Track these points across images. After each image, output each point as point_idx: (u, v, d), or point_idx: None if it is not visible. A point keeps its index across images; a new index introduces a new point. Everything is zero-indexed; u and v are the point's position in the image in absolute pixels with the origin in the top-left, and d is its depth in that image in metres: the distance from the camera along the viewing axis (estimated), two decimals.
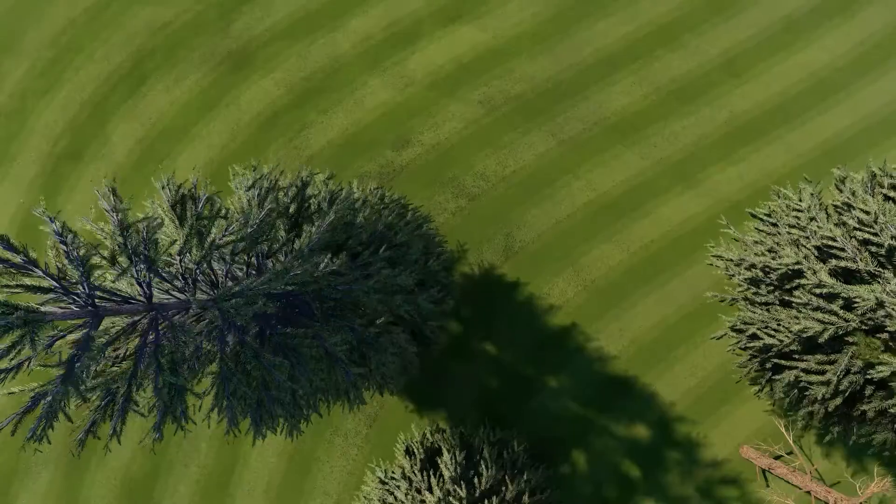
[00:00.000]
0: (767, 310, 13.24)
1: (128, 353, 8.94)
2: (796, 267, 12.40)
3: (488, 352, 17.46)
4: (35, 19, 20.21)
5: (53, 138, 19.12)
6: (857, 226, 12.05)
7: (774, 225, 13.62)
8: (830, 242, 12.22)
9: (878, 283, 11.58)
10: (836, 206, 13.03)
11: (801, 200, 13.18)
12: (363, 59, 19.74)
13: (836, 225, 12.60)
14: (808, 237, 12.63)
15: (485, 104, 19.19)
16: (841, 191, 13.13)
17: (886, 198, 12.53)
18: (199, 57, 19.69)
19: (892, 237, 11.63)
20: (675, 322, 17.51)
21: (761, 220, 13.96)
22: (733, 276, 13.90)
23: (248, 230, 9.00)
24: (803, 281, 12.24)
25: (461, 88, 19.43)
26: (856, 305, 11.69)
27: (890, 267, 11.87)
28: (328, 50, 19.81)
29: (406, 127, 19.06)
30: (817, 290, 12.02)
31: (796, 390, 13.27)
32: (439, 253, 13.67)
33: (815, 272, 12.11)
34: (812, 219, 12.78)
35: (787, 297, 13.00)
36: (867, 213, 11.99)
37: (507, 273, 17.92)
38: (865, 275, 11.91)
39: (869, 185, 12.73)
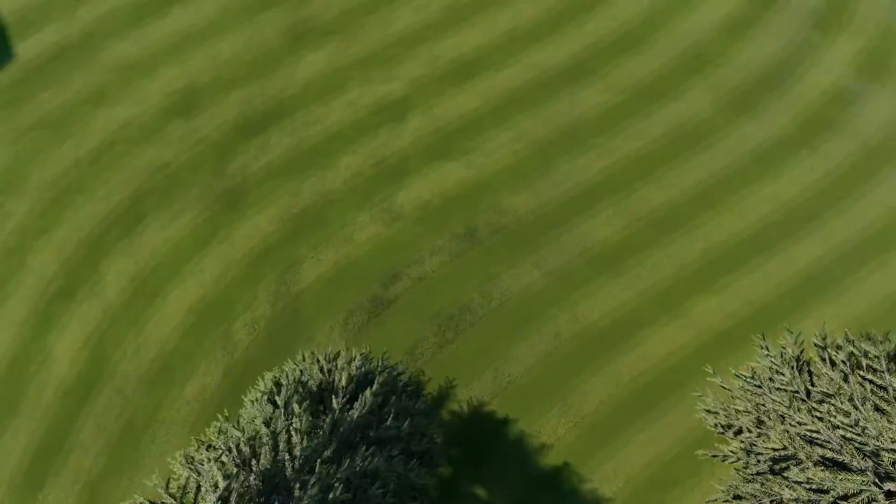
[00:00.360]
0: (761, 483, 11.18)
1: None
2: (784, 452, 10.57)
3: (479, 496, 15.07)
4: (41, 161, 18.82)
5: (48, 277, 17.31)
6: (839, 424, 10.30)
7: (759, 386, 11.79)
8: (814, 434, 10.43)
9: (867, 475, 9.74)
10: (817, 392, 11.28)
11: (782, 364, 11.44)
12: (353, 195, 18.28)
13: (819, 403, 10.82)
14: (792, 415, 10.84)
15: (470, 238, 17.62)
16: (822, 359, 11.38)
17: (865, 379, 10.82)
18: (196, 195, 18.22)
19: (874, 438, 9.85)
20: (670, 459, 15.22)
21: (746, 380, 12.13)
22: (724, 433, 11.99)
23: None
24: (792, 475, 10.39)
25: (447, 222, 17.89)
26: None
27: (878, 462, 10.00)
28: (319, 187, 18.38)
29: (394, 261, 17.38)
30: (806, 485, 10.13)
31: None
32: (423, 454, 11.38)
33: (802, 464, 10.32)
34: (795, 393, 11.01)
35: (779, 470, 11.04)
36: (847, 413, 10.27)
37: (497, 410, 15.77)
38: (853, 467, 10.05)
39: (847, 363, 11.02)
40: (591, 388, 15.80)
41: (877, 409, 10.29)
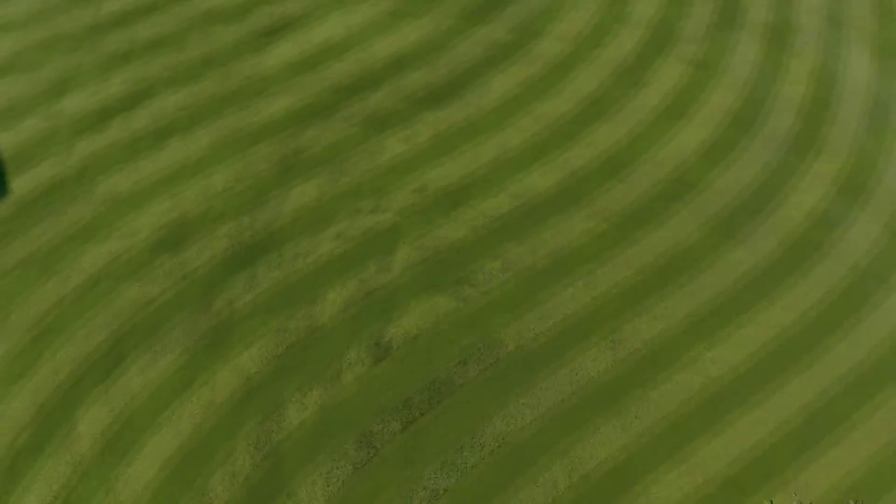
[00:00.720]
0: None
1: None
2: None
3: None
4: (24, 300, 17.22)
5: (18, 428, 15.30)
6: None
7: None
8: None
9: None
10: None
11: None
12: (340, 331, 16.61)
13: None
14: None
15: (460, 376, 15.83)
16: None
17: None
18: (179, 334, 16.52)
19: None
20: None
21: None
22: None
23: None
24: None
25: (437, 358, 16.15)
26: None
27: None
28: (306, 323, 16.74)
29: (381, 402, 15.49)
30: None
31: None
32: None
33: None
34: None
35: None
36: None
37: None
38: None
39: None
40: None
41: None
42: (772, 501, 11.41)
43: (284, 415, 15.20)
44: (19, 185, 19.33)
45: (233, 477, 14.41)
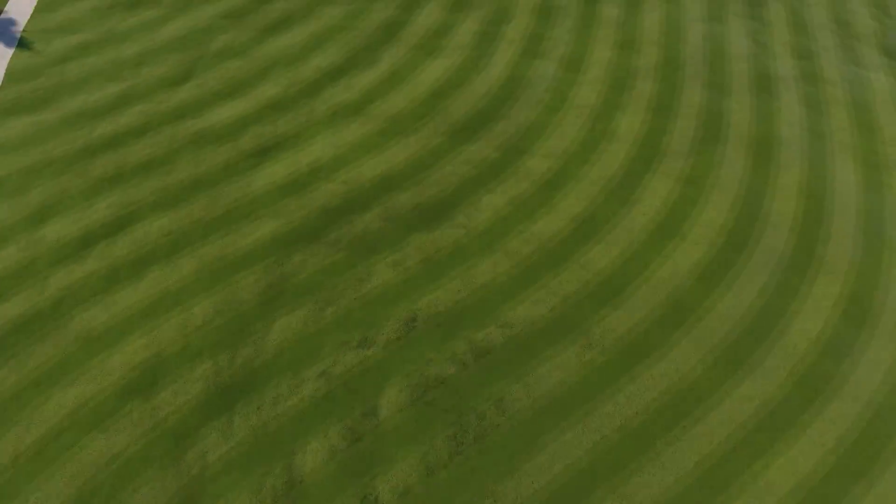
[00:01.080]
0: None
1: None
2: None
3: None
4: None
5: None
6: None
7: None
8: None
9: None
10: None
11: None
12: (323, 488, 14.54)
13: None
14: None
15: None
16: None
17: None
18: (144, 497, 14.34)
19: None
20: None
21: None
22: None
23: None
24: None
25: None
26: None
27: None
28: (284, 479, 14.71)
29: None
30: None
31: None
32: None
33: None
34: None
35: None
36: None
37: None
38: None
39: None
40: None
41: None
42: None
43: None
44: None
45: None
